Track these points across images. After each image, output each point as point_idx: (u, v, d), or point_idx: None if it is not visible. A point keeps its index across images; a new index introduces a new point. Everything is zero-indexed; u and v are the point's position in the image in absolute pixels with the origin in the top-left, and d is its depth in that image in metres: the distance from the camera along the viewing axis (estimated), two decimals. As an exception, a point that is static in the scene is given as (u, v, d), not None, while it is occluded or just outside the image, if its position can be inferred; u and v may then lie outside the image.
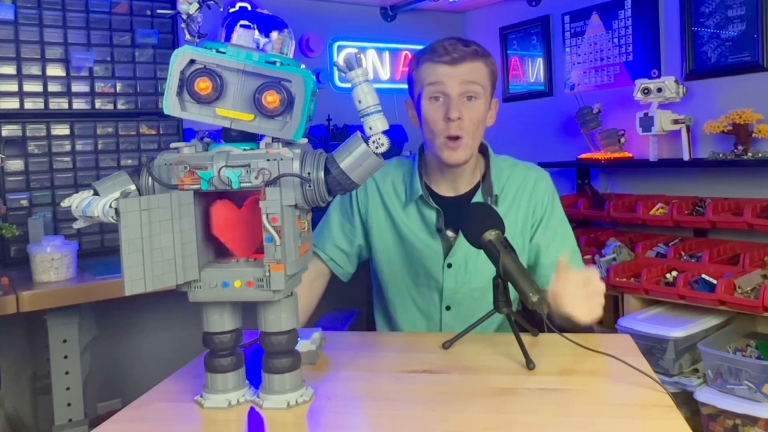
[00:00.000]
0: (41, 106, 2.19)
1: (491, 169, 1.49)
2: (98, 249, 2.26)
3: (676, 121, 2.62)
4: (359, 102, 0.94)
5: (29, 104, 2.17)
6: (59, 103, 2.22)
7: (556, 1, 3.25)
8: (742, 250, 2.34)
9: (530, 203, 1.49)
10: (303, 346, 1.12)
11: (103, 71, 2.28)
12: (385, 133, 0.95)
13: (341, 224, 1.54)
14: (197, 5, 0.95)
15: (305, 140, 0.97)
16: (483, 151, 1.53)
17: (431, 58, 1.39)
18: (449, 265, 1.46)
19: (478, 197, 1.47)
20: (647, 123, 2.63)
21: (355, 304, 2.29)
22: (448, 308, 1.48)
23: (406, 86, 1.52)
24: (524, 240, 1.49)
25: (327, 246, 1.53)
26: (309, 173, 0.93)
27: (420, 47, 1.46)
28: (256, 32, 0.96)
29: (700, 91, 2.68)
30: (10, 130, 2.14)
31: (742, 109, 2.44)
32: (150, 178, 0.95)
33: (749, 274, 2.15)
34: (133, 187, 0.96)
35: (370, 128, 0.94)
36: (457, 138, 1.38)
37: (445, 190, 1.49)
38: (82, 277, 1.96)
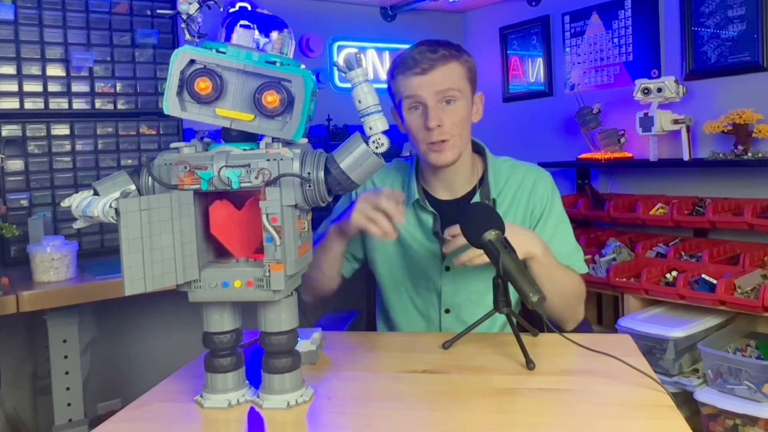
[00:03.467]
0: (41, 106, 2.19)
1: (489, 171, 1.49)
2: (98, 249, 2.26)
3: (676, 121, 2.61)
4: (359, 102, 0.95)
5: (29, 104, 2.17)
6: (59, 103, 2.22)
7: (556, 1, 3.25)
8: (742, 250, 2.34)
9: (529, 204, 1.48)
10: (303, 346, 1.12)
11: (103, 71, 2.28)
12: (385, 133, 0.95)
13: None
14: (197, 5, 0.95)
15: (305, 140, 0.97)
16: (480, 152, 1.52)
17: (402, 71, 1.39)
18: (447, 268, 1.45)
19: (476, 200, 1.46)
20: (647, 123, 2.63)
21: (355, 304, 2.28)
22: (447, 311, 1.48)
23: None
24: None
25: None
26: (309, 173, 0.93)
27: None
28: (256, 32, 0.96)
29: (700, 91, 2.68)
30: (10, 130, 2.14)
31: (742, 109, 2.43)
32: (150, 178, 0.95)
33: (749, 274, 2.15)
34: (133, 187, 0.96)
35: (370, 128, 0.95)
36: (441, 141, 1.38)
37: (442, 193, 1.49)
38: (82, 277, 1.96)
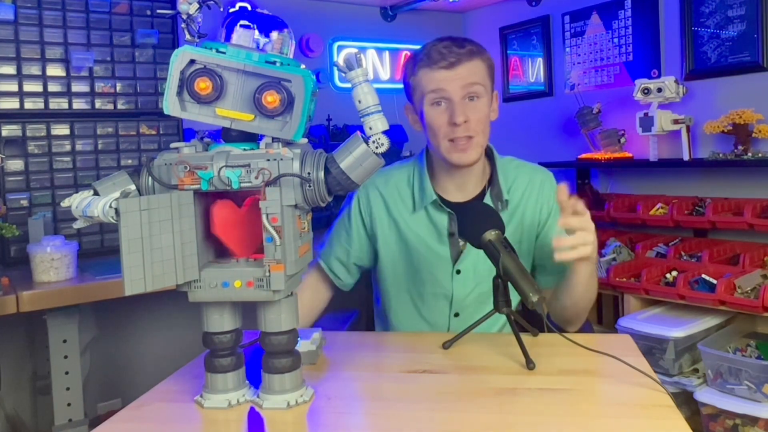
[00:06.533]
0: (41, 106, 2.19)
1: (498, 171, 1.47)
2: (98, 249, 2.26)
3: (676, 121, 2.61)
4: (359, 102, 0.95)
5: (29, 104, 2.17)
6: (59, 103, 2.22)
7: (556, 1, 3.25)
8: (742, 250, 2.34)
9: (537, 204, 1.48)
10: (303, 346, 1.12)
11: (103, 71, 2.28)
12: (385, 133, 0.95)
13: (339, 235, 1.54)
14: (197, 5, 0.95)
15: (305, 140, 0.97)
16: (488, 153, 1.51)
17: (428, 64, 1.37)
18: (458, 272, 1.44)
19: (487, 202, 1.45)
20: (647, 123, 2.63)
21: (355, 304, 2.29)
22: (456, 315, 1.46)
23: (406, 86, 1.50)
24: (530, 241, 1.48)
25: (330, 258, 1.54)
26: (309, 173, 0.93)
27: (419, 47, 1.44)
28: (256, 32, 0.96)
29: (700, 91, 2.68)
30: (10, 130, 2.14)
31: (742, 109, 2.43)
32: (150, 178, 0.95)
33: (749, 274, 2.15)
34: (133, 187, 0.96)
35: (370, 128, 0.95)
36: (466, 139, 1.37)
37: (453, 194, 1.47)
38: (82, 277, 1.96)
